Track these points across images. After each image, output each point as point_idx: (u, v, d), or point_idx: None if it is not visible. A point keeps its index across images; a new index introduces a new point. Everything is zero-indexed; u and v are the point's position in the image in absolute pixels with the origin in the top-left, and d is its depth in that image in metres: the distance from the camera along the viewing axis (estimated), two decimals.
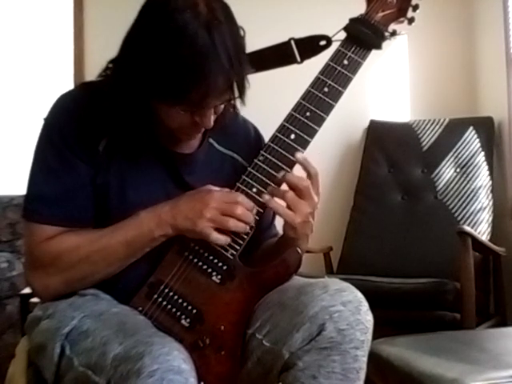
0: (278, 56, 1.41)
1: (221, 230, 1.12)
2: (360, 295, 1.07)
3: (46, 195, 1.15)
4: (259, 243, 1.29)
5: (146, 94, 1.09)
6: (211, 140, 1.28)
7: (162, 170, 1.21)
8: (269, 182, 1.17)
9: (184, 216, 1.12)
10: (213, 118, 1.13)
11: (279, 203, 1.16)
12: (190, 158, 1.24)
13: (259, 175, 1.17)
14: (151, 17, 1.09)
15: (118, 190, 1.16)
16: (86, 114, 1.15)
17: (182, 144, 1.23)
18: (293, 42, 1.37)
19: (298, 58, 1.38)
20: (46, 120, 1.19)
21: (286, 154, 1.17)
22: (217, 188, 1.15)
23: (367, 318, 1.05)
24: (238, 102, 1.29)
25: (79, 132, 1.15)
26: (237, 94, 1.13)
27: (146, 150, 1.18)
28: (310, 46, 1.36)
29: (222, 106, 1.15)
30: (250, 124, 1.37)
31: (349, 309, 1.03)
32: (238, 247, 1.15)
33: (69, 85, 3.20)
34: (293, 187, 1.15)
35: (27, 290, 2.47)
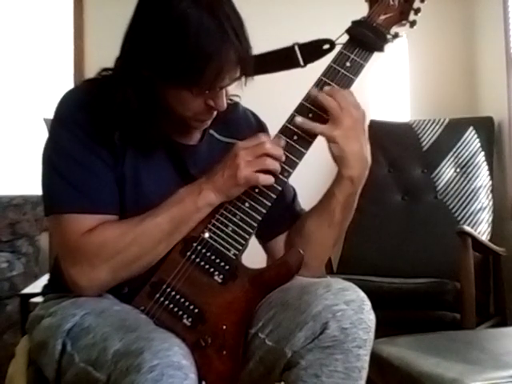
0: (282, 60, 1.40)
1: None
2: (363, 294, 1.07)
3: (78, 186, 1.13)
4: (289, 218, 1.30)
5: (159, 82, 1.10)
6: (211, 131, 1.29)
7: (169, 161, 1.21)
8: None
9: (221, 175, 1.13)
10: (225, 99, 1.15)
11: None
12: (194, 150, 1.25)
13: None
14: (153, 8, 1.10)
15: (133, 181, 1.16)
16: (97, 107, 1.15)
17: (186, 136, 1.24)
18: (297, 47, 1.37)
19: (302, 63, 1.37)
20: (58, 115, 1.18)
21: (289, 155, 1.17)
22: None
23: (370, 317, 1.05)
24: (237, 98, 1.31)
25: (95, 124, 1.14)
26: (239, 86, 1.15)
27: (156, 142, 1.18)
28: (314, 50, 1.36)
29: (230, 88, 1.16)
30: (250, 112, 1.38)
31: (352, 308, 1.03)
32: (240, 247, 1.15)
33: (69, 84, 3.20)
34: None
35: (27, 290, 2.46)
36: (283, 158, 1.16)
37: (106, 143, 1.15)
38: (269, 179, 1.14)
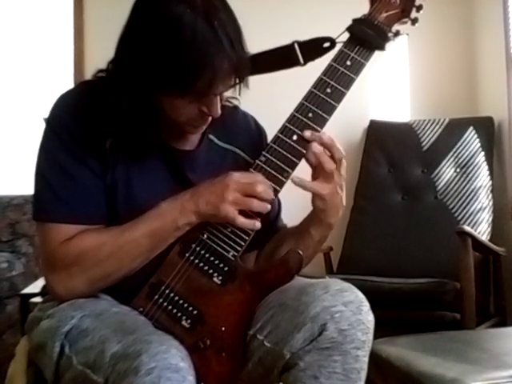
0: (282, 59, 1.39)
1: (244, 213, 1.12)
2: (361, 295, 1.07)
3: (62, 194, 1.13)
4: (268, 235, 1.30)
5: (152, 88, 1.09)
6: (211, 136, 1.28)
7: (164, 167, 1.20)
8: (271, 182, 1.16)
9: (206, 201, 1.11)
10: (219, 105, 1.13)
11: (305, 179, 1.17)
12: (192, 155, 1.24)
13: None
14: (147, 12, 1.09)
15: (125, 189, 1.16)
16: (89, 112, 1.14)
17: (183, 141, 1.23)
18: (296, 46, 1.35)
19: (302, 61, 1.36)
20: (50, 120, 1.17)
21: (288, 155, 1.17)
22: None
23: (368, 318, 1.05)
24: (236, 100, 1.30)
25: (86, 130, 1.14)
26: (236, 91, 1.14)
27: (150, 148, 1.17)
28: (314, 48, 1.34)
29: (225, 94, 1.15)
30: (251, 117, 1.37)
31: (350, 309, 1.03)
32: (239, 248, 1.15)
33: (69, 85, 3.20)
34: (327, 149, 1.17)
35: (27, 290, 2.47)
36: (272, 202, 1.15)
37: (96, 151, 1.14)
38: (246, 223, 1.12)
